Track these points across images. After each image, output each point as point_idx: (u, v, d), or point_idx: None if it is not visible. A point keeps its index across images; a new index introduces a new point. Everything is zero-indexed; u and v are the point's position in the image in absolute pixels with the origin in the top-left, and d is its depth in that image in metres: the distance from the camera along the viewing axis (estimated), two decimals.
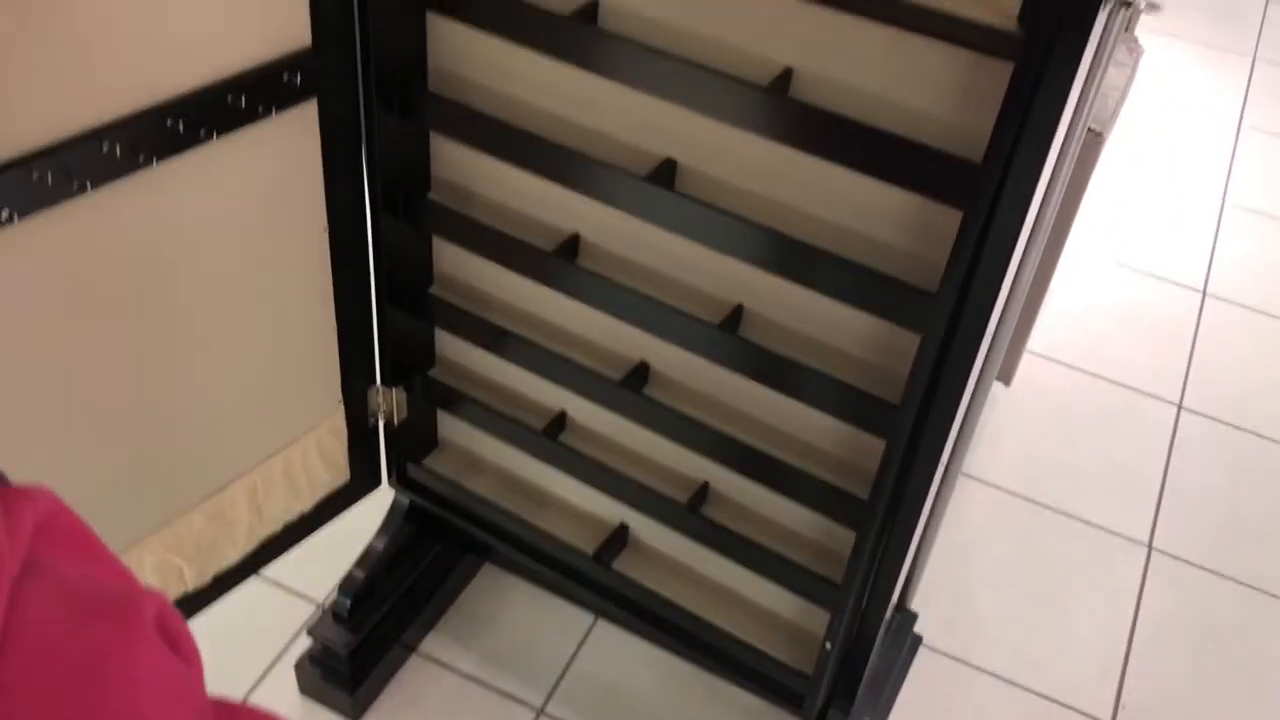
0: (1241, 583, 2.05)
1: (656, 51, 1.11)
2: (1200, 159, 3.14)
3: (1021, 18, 0.93)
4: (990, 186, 1.00)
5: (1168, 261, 2.77)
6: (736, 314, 1.29)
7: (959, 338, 1.10)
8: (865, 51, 1.06)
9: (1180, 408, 2.38)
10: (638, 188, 1.20)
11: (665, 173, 1.23)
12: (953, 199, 1.04)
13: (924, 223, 1.12)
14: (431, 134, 1.37)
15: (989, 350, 1.29)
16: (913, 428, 1.18)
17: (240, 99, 1.13)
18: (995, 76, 0.99)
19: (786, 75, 1.11)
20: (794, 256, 1.15)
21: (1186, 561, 2.08)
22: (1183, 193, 3.01)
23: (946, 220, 1.07)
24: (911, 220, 1.13)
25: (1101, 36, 1.02)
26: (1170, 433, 2.33)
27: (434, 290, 1.49)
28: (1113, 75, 1.85)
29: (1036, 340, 2.42)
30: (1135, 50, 1.92)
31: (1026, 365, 2.31)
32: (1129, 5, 0.95)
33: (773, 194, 1.19)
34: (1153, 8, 1.02)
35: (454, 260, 1.46)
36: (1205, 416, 2.37)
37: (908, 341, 1.16)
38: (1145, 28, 3.45)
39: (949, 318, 1.09)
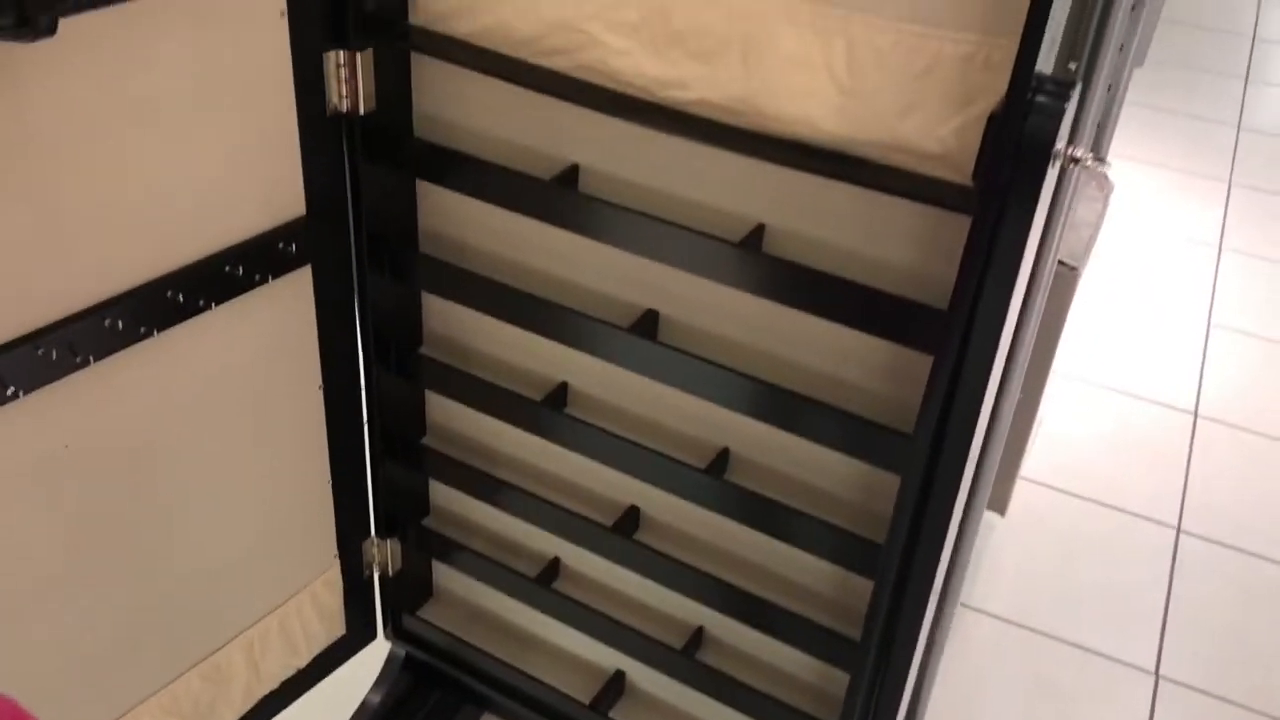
0: (1251, 709, 2.02)
1: (634, 212, 1.16)
2: (1183, 282, 3.20)
3: (975, 175, 0.97)
4: (958, 332, 1.03)
5: (1158, 384, 2.80)
6: (723, 457, 1.32)
7: (939, 478, 1.13)
8: (832, 207, 1.11)
9: (1179, 530, 2.38)
10: (622, 339, 1.24)
11: (648, 323, 1.28)
12: (923, 345, 1.08)
13: (898, 367, 1.16)
14: (423, 291, 1.42)
15: (973, 486, 1.31)
16: (900, 567, 1.19)
17: (238, 268, 1.17)
18: (956, 229, 1.04)
19: (759, 231, 1.16)
20: (773, 402, 1.18)
21: (1194, 688, 2.06)
22: (1168, 316, 3.06)
23: (919, 364, 1.10)
24: (886, 364, 1.16)
25: (1057, 188, 1.07)
26: (1170, 556, 2.32)
27: (427, 441, 1.52)
28: (1084, 211, 1.91)
29: (1030, 467, 2.44)
30: (1105, 186, 1.98)
31: (1021, 493, 2.32)
32: (1077, 161, 1.00)
33: (751, 341, 1.23)
34: (1100, 162, 1.07)
35: (446, 411, 1.50)
36: (1204, 539, 2.37)
37: (890, 482, 1.18)
38: (1119, 155, 3.56)
39: (926, 459, 1.11)
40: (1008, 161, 0.93)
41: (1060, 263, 1.83)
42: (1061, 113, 0.90)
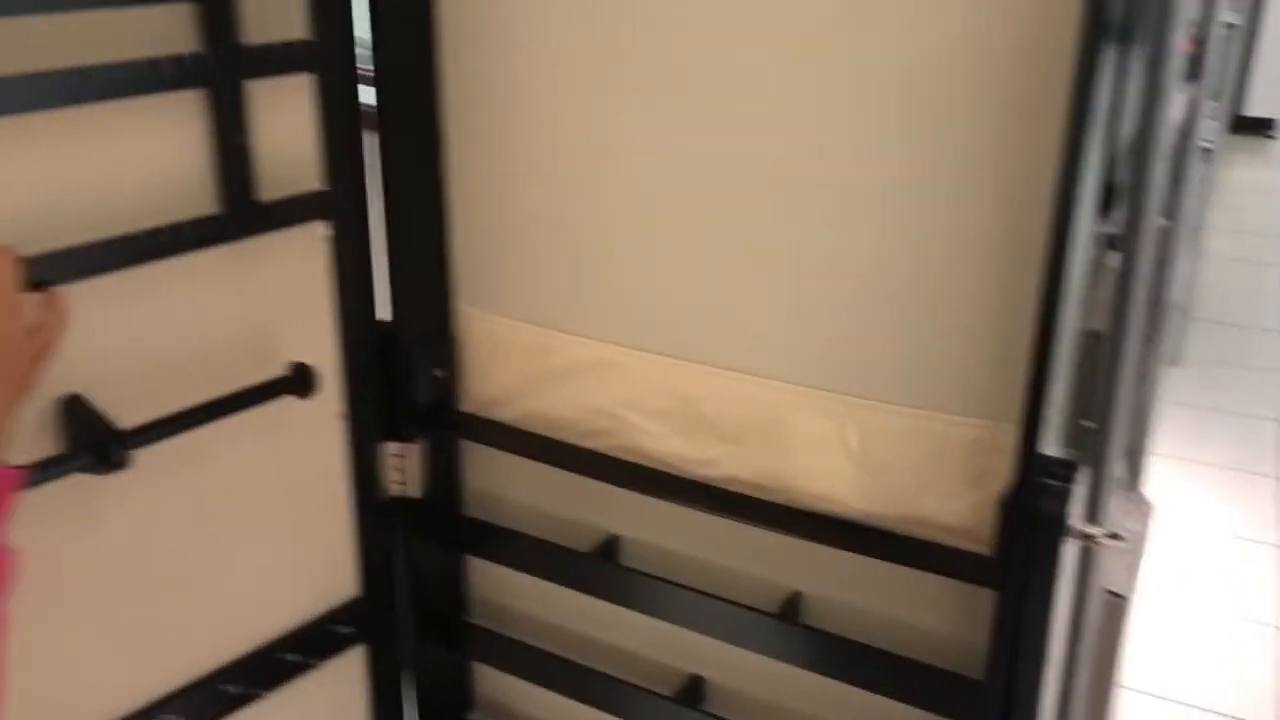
0: None
1: (672, 584, 1.20)
2: (1243, 584, 3.13)
3: (995, 551, 1.01)
4: (997, 699, 1.04)
5: (1233, 696, 2.69)
6: None
7: None
8: (864, 575, 1.14)
9: None
10: (668, 710, 1.25)
11: (693, 691, 1.28)
12: (963, 714, 1.08)
13: None
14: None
15: None
16: None
17: (290, 655, 1.21)
18: (985, 596, 1.06)
19: (795, 598, 1.19)
20: None
21: None
22: (1232, 621, 2.98)
23: None
24: None
25: (1085, 550, 1.09)
26: None
27: None
28: (1126, 537, 1.92)
29: None
30: (1145, 509, 1.99)
31: None
32: (1091, 539, 1.02)
33: (799, 707, 1.23)
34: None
35: None
36: None
37: None
38: (1163, 455, 3.56)
39: None
40: (1024, 539, 0.97)
41: (1108, 592, 1.83)
42: (1068, 494, 0.94)
